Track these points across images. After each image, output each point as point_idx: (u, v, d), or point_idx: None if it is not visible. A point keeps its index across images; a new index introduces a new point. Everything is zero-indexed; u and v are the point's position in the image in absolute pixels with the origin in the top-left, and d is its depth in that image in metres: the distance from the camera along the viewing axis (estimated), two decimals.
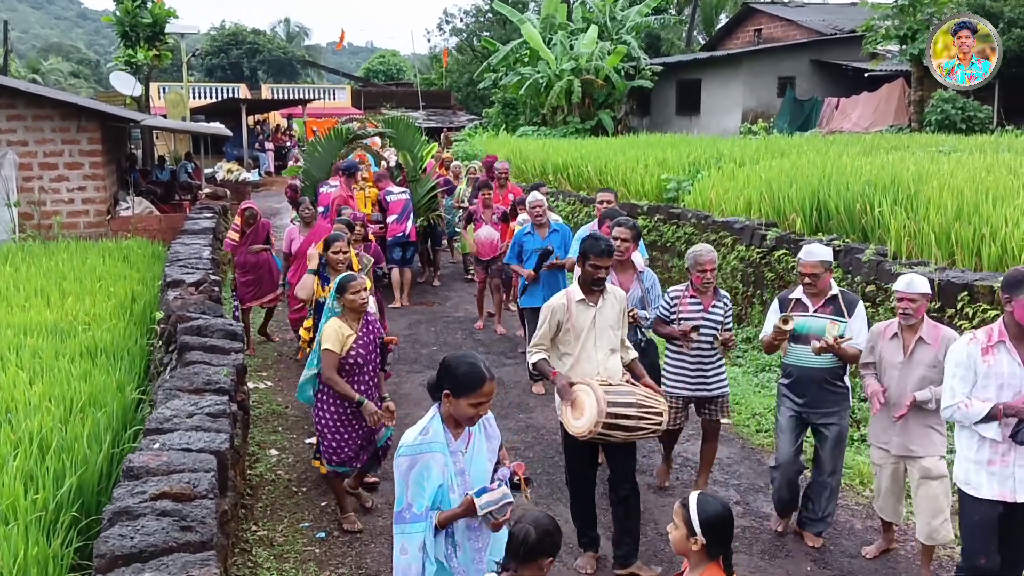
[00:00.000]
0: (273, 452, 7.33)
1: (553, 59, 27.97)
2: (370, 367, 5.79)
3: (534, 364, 5.31)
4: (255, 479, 6.77)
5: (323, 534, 5.89)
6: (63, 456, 5.11)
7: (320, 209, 11.39)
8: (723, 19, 42.94)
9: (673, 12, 39.79)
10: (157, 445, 4.87)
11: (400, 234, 11.99)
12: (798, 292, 5.67)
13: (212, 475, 4.54)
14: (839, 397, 5.62)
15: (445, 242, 14.87)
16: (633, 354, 5.49)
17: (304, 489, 6.62)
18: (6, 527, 4.34)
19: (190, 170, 22.23)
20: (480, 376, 3.51)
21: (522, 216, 9.62)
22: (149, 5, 23.54)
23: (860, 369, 5.40)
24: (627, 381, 5.23)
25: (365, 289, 5.68)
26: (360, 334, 5.72)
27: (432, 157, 15.68)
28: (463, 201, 13.52)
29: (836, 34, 28.98)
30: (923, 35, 20.50)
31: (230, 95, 36.83)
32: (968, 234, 7.85)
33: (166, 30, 24.05)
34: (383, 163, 13.37)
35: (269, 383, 9.14)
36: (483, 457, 3.69)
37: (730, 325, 6.30)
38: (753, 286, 10.31)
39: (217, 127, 24.19)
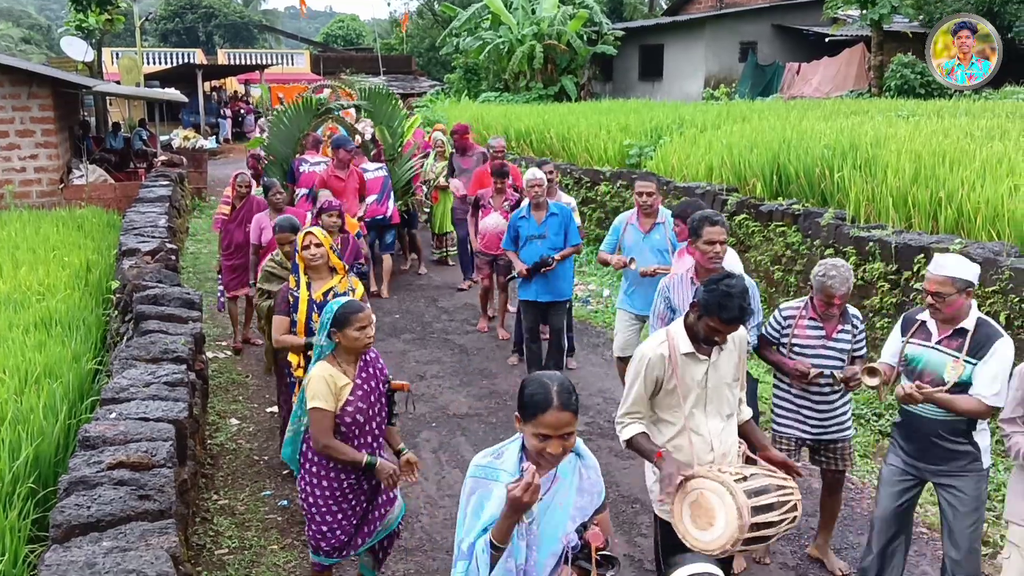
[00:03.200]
0: (234, 421, 7.28)
1: (515, 23, 27.76)
2: (374, 424, 4.28)
3: (628, 441, 3.92)
4: (215, 448, 6.72)
5: (285, 502, 5.87)
6: (18, 427, 5.03)
7: (302, 191, 10.21)
8: None
9: None
10: (114, 415, 4.81)
11: (380, 216, 10.61)
12: (926, 313, 4.39)
13: (170, 444, 4.49)
14: (962, 458, 4.29)
15: (423, 219, 13.42)
16: (747, 413, 4.14)
17: (265, 458, 6.59)
18: None
19: (144, 137, 21.83)
20: (544, 399, 2.71)
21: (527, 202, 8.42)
22: None
23: (1002, 424, 4.13)
24: (743, 455, 3.99)
25: (372, 323, 4.24)
26: (358, 382, 4.20)
27: (414, 131, 14.09)
28: (431, 176, 12.18)
29: None
30: (883, 0, 20.58)
31: (185, 61, 36.20)
32: (925, 197, 7.94)
33: None
34: (357, 138, 11.86)
35: (229, 352, 9.06)
36: (564, 512, 2.84)
37: (862, 351, 4.96)
38: None
39: (172, 93, 23.71)
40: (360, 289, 5.45)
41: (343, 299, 4.30)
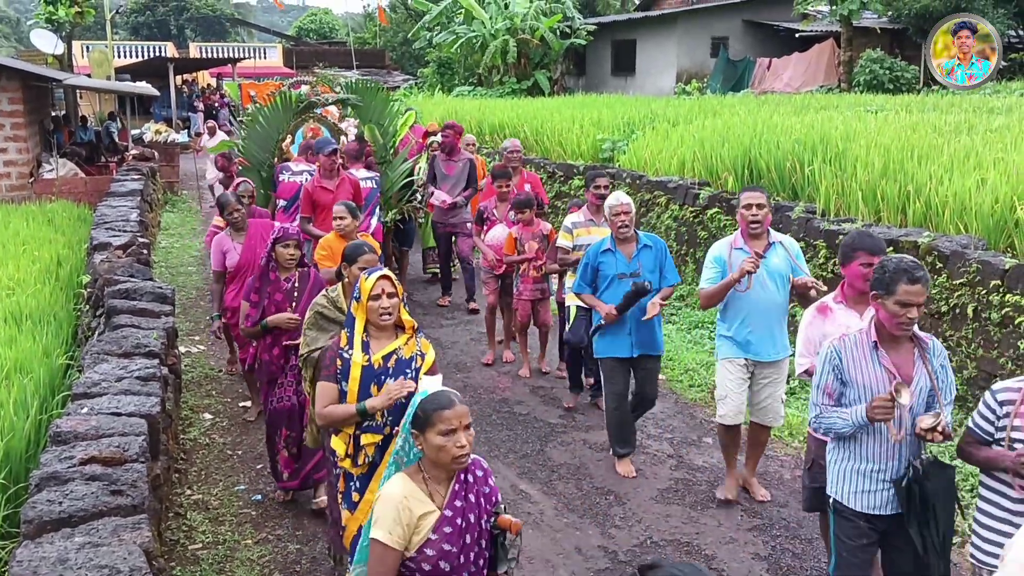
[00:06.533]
0: (207, 416, 7.25)
1: (487, 18, 27.76)
2: (467, 574, 2.92)
3: None
4: (189, 443, 6.70)
5: (259, 497, 5.87)
6: None
7: (280, 203, 8.90)
8: None
9: None
10: (85, 410, 4.78)
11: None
12: None
13: (143, 439, 4.47)
14: None
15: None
16: None
17: (239, 452, 6.58)
18: None
19: (114, 130, 21.64)
20: None
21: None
22: None
23: None
24: None
25: (468, 427, 2.94)
26: (449, 513, 2.89)
27: (411, 128, 12.11)
28: (421, 181, 10.58)
29: None
30: None
31: (157, 54, 35.90)
32: (894, 191, 8.05)
33: None
34: (342, 139, 10.21)
35: (202, 347, 9.01)
36: None
37: None
38: (687, 245, 10.44)
39: (144, 87, 23.49)
40: (431, 355, 4.02)
41: (429, 383, 3.03)
